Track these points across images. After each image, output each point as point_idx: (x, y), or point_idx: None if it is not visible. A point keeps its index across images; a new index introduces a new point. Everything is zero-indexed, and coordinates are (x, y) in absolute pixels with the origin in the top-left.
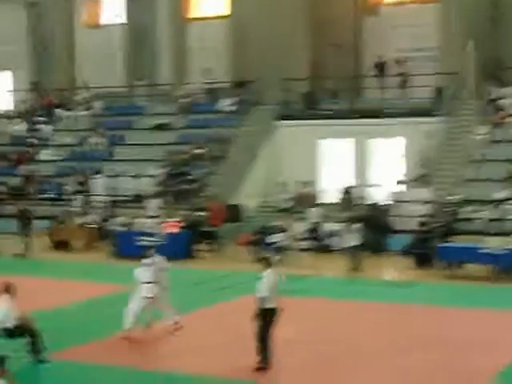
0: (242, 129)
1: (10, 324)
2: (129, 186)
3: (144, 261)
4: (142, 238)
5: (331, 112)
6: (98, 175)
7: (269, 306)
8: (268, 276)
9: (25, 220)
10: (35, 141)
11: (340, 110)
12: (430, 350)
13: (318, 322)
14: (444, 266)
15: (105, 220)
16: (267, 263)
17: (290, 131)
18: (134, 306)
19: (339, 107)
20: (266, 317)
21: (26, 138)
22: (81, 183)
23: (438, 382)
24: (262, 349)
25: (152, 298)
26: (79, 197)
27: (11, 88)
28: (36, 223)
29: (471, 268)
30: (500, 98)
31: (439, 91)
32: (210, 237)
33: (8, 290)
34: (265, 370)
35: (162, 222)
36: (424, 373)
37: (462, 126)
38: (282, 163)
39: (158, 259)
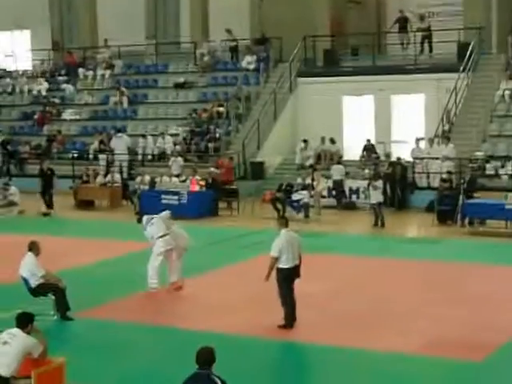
0: (265, 86)
1: (33, 282)
2: (152, 144)
3: (149, 216)
4: (165, 196)
5: (353, 69)
6: (119, 134)
7: (282, 265)
8: (281, 236)
9: (47, 179)
10: (57, 100)
11: (362, 66)
12: (456, 306)
13: (341, 278)
14: (468, 222)
15: (128, 179)
16: (283, 223)
17: (312, 88)
18: (154, 263)
19: (361, 64)
20: (282, 276)
21: (47, 97)
22: (103, 142)
23: (465, 336)
24: (283, 307)
25: (170, 249)
26: (102, 156)
27: (30, 47)
28: (60, 182)
29: (494, 224)
30: None
31: (463, 46)
32: (233, 195)
33: (32, 248)
34: (286, 328)
35: (186, 181)
36: (450, 328)
37: (486, 82)
38: (305, 120)
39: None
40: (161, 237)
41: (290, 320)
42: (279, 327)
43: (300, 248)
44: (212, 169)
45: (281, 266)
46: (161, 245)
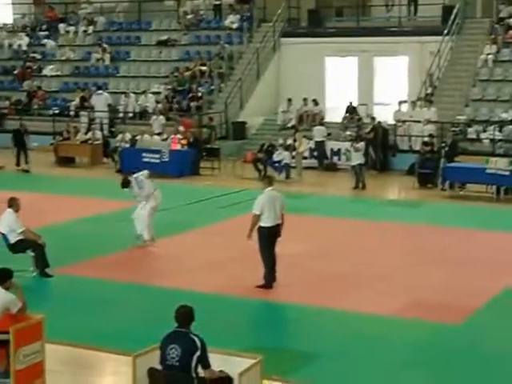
0: (248, 46)
1: (12, 239)
2: (134, 102)
3: (136, 176)
4: (147, 154)
5: (337, 30)
6: (100, 91)
7: (263, 224)
8: (264, 195)
9: (19, 136)
10: (38, 56)
11: (345, 27)
12: (435, 269)
13: (321, 240)
14: (448, 186)
15: (109, 136)
16: (267, 182)
17: (295, 48)
18: (147, 217)
19: (345, 25)
20: (262, 235)
21: (27, 52)
22: (84, 99)
23: (444, 299)
24: (264, 266)
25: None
26: (83, 113)
27: (11, 0)
28: (40, 139)
29: (475, 188)
30: (509, 17)
31: (447, 10)
32: (214, 154)
33: (12, 204)
34: (265, 287)
35: (167, 139)
36: (430, 290)
37: (470, 46)
38: (288, 81)
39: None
40: (153, 192)
41: (268, 280)
42: (257, 287)
43: (283, 208)
44: (181, 128)
45: (261, 224)
46: (154, 200)
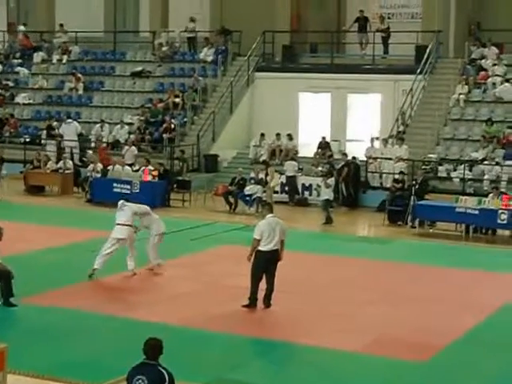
0: (222, 79)
1: None
2: (105, 132)
3: (119, 203)
4: (118, 185)
5: (311, 66)
6: (69, 120)
7: (261, 248)
8: (265, 220)
9: None
10: (11, 83)
11: (320, 64)
12: (402, 307)
13: (286, 275)
14: (418, 224)
15: (80, 166)
16: (267, 209)
17: (269, 83)
18: (105, 246)
19: (319, 61)
20: (258, 257)
21: (0, 80)
22: (52, 128)
23: (409, 337)
24: (251, 287)
25: (123, 239)
26: (50, 141)
27: None
28: (11, 167)
29: (444, 226)
30: (481, 58)
31: (420, 49)
32: (185, 186)
33: None
34: (249, 307)
35: (139, 170)
36: (395, 328)
37: (442, 85)
38: (261, 115)
39: (134, 204)
40: (119, 224)
41: (252, 299)
42: (243, 306)
43: (284, 234)
44: (90, 152)
45: (259, 248)
46: (116, 232)
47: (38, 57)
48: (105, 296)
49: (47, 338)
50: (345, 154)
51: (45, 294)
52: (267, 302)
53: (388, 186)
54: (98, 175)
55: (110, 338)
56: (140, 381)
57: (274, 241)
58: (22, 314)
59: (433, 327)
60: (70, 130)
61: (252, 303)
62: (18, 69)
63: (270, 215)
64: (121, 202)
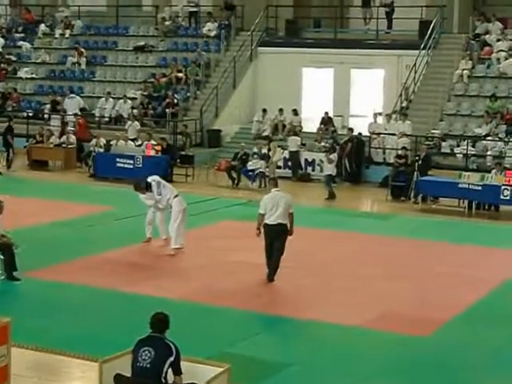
0: (225, 54)
1: None
2: (108, 107)
3: (156, 181)
4: (120, 160)
5: (314, 41)
6: (72, 95)
7: (266, 221)
8: (268, 195)
9: (8, 136)
10: (13, 57)
11: (323, 39)
12: (405, 281)
13: (289, 250)
14: (421, 199)
15: (83, 141)
16: (273, 183)
17: (272, 58)
18: (174, 224)
19: (322, 36)
20: (264, 231)
21: (2, 54)
22: (56, 102)
23: (412, 312)
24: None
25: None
26: (54, 116)
27: None
28: (14, 141)
29: (447, 202)
30: (485, 34)
31: (424, 24)
32: (188, 161)
33: None
34: (268, 280)
35: (142, 145)
36: (397, 303)
37: (446, 61)
38: (264, 90)
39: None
40: (175, 196)
41: (269, 273)
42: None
43: (290, 207)
44: (69, 128)
45: (265, 221)
46: (178, 204)
47: (40, 31)
48: (108, 270)
49: (51, 312)
50: (350, 129)
51: (47, 268)
52: (270, 276)
53: (391, 161)
54: (101, 150)
55: (114, 312)
56: (147, 351)
57: (276, 214)
58: (25, 288)
59: (435, 302)
60: (72, 105)
61: (268, 277)
62: (21, 43)
63: (275, 189)
64: (157, 179)
